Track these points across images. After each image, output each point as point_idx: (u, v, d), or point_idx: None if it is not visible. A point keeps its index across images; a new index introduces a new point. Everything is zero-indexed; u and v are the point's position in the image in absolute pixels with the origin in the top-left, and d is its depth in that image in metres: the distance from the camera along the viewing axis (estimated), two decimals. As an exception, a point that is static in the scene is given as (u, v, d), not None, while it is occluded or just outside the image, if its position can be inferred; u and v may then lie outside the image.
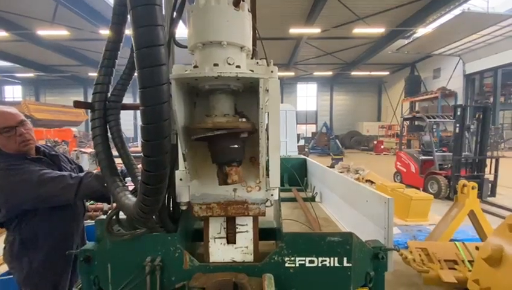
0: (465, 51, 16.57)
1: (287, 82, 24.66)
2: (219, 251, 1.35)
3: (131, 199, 1.09)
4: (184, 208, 1.25)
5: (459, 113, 6.62)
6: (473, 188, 3.53)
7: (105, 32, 11.90)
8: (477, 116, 6.69)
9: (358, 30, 12.50)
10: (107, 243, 1.29)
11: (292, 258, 1.30)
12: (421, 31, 13.97)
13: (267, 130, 1.09)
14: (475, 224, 3.66)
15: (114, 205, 1.55)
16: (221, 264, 1.31)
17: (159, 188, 0.83)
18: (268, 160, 1.18)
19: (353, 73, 22.05)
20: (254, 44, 1.26)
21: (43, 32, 12.73)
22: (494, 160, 6.60)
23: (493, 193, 6.60)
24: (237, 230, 1.35)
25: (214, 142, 1.00)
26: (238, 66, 0.90)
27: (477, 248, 2.46)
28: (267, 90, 1.08)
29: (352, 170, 8.95)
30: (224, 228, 1.35)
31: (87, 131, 23.65)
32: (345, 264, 1.31)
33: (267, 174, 1.20)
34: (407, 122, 12.84)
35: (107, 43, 1.38)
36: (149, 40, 0.64)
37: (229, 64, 0.89)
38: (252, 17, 1.08)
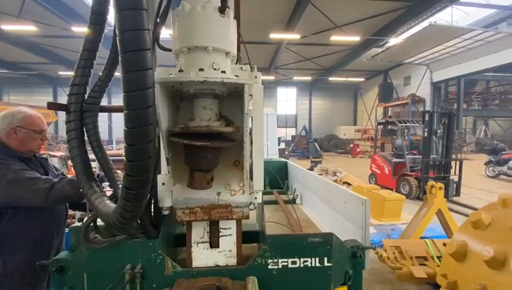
0: (432, 61, 17.81)
1: (267, 86, 24.93)
2: (202, 256, 1.34)
3: (109, 205, 1.05)
4: (166, 213, 1.23)
5: (427, 118, 7.07)
6: (440, 188, 3.78)
7: (78, 29, 11.34)
8: (443, 121, 7.19)
9: (336, 37, 12.99)
10: (82, 251, 1.24)
11: (275, 260, 1.32)
12: (393, 41, 14.82)
13: (250, 134, 1.11)
14: (442, 222, 3.92)
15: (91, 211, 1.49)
16: (204, 268, 1.30)
17: (142, 194, 0.82)
18: (252, 163, 1.20)
19: (331, 78, 22.81)
20: (238, 49, 1.27)
21: (7, 27, 11.86)
22: (458, 162, 7.12)
23: (458, 193, 7.11)
24: (220, 234, 1.35)
25: (188, 148, 1.00)
26: (223, 72, 0.91)
27: (444, 245, 2.64)
28: (251, 96, 1.10)
29: (330, 172, 9.22)
30: (208, 232, 1.34)
31: (57, 133, 22.23)
32: (326, 264, 1.35)
33: (251, 178, 1.22)
34: (381, 126, 13.49)
35: (84, 42, 1.33)
36: (135, 44, 0.63)
37: (215, 69, 0.90)
38: (236, 23, 1.10)
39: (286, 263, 1.33)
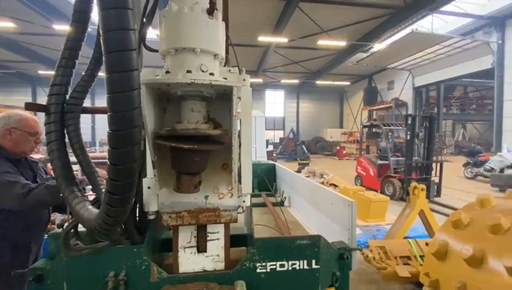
0: (414, 66, 18.51)
1: (256, 88, 25.01)
2: (189, 261, 1.31)
3: (91, 211, 1.01)
4: (152, 217, 1.20)
5: (410, 122, 7.31)
6: (422, 189, 3.91)
7: (60, 27, 10.96)
8: (424, 124, 7.45)
9: (323, 42, 13.24)
10: (63, 259, 1.18)
11: (263, 264, 1.31)
12: (377, 46, 15.27)
13: (239, 136, 1.11)
14: (424, 222, 4.04)
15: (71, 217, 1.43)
16: (191, 274, 1.28)
17: (126, 198, 0.79)
18: (240, 166, 1.19)
19: (318, 82, 23.20)
20: (226, 52, 1.27)
21: (-18, 23, 11.30)
22: (439, 164, 7.39)
23: (439, 194, 7.38)
24: (208, 238, 1.33)
25: (175, 150, 0.98)
26: (211, 74, 0.90)
27: (426, 244, 2.72)
28: (239, 98, 1.10)
29: (317, 174, 9.32)
30: (195, 237, 1.32)
31: (36, 135, 21.29)
32: (314, 266, 1.36)
33: (239, 181, 1.21)
34: (366, 129, 13.81)
35: (66, 41, 1.29)
36: (120, 44, 0.61)
37: (203, 71, 0.89)
38: (224, 25, 1.09)
39: (274, 266, 1.32)
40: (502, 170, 9.65)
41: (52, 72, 1.31)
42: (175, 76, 0.86)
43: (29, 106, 1.24)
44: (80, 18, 1.25)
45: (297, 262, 1.34)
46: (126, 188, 0.75)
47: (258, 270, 1.30)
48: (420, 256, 3.25)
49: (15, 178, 1.57)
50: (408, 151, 7.26)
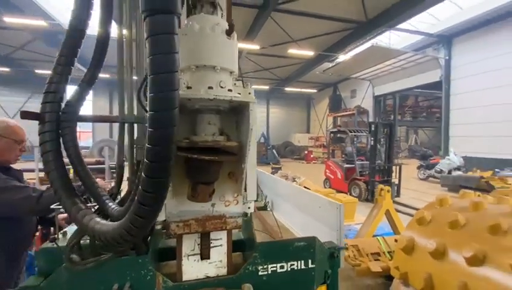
0: (374, 77, 20.13)
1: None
2: (192, 268, 1.33)
3: (104, 223, 1.00)
4: (159, 227, 1.21)
5: (373, 128, 7.95)
6: (388, 191, 4.30)
7: (11, 20, 9.91)
8: (385, 131, 8.17)
9: (292, 51, 13.81)
10: (62, 274, 1.13)
11: (265, 266, 1.39)
12: (342, 57, 16.33)
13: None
14: (390, 221, 4.44)
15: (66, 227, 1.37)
16: (195, 281, 1.30)
17: (155, 211, 0.80)
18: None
19: (287, 89, 24.01)
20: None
21: None
22: (398, 167, 8.13)
23: (398, 194, 8.11)
24: (211, 245, 1.36)
25: (195, 161, 1.02)
26: (229, 90, 0.97)
27: (396, 241, 3.00)
28: None
29: (290, 178, 9.62)
30: (198, 244, 1.34)
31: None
32: (310, 265, 1.47)
33: (245, 188, 1.27)
34: (332, 134, 14.62)
35: (62, 47, 1.24)
36: (166, 66, 0.66)
37: (221, 87, 0.95)
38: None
39: (275, 268, 1.41)
40: (449, 172, 10.93)
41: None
42: (197, 91, 0.91)
43: (26, 115, 1.17)
44: (78, 24, 1.23)
45: (295, 263, 1.44)
46: (157, 200, 0.78)
47: (260, 273, 1.37)
48: (388, 252, 3.56)
49: (19, 183, 1.56)
50: (372, 155, 7.88)
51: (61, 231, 1.47)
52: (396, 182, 8.12)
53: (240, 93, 1.03)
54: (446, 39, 15.01)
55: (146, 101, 1.18)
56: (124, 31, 1.30)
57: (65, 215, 1.73)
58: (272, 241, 1.48)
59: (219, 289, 1.23)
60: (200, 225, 1.25)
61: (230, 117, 1.22)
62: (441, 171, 11.20)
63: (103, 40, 1.36)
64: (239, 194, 1.28)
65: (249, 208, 1.30)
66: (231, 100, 0.93)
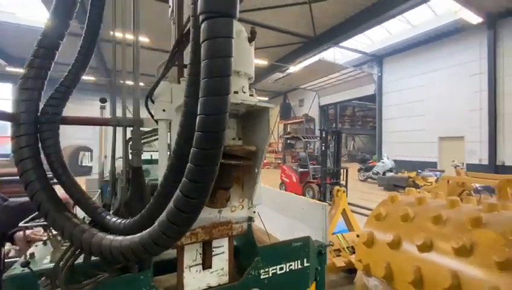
0: (320, 88, 21.92)
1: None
2: (193, 280, 1.28)
3: (111, 237, 0.89)
4: None
5: (323, 135, 8.64)
6: (343, 192, 4.72)
7: None
8: (334, 138, 8.94)
9: (247, 59, 14.12)
10: (47, 302, 0.97)
11: (266, 270, 1.42)
12: (292, 69, 17.37)
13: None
14: (345, 219, 4.87)
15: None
16: (199, 293, 1.25)
17: (194, 217, 0.76)
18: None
19: (240, 95, 24.29)
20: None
21: None
22: (344, 170, 8.96)
23: (346, 194, 8.91)
24: (213, 253, 1.33)
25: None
26: (251, 95, 0.99)
27: (358, 236, 3.32)
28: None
29: (247, 184, 9.71)
30: (200, 254, 1.30)
31: None
32: (305, 264, 1.55)
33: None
34: (287, 140, 15.35)
35: (41, 38, 1.09)
36: (223, 70, 0.65)
37: (244, 92, 0.97)
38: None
39: (275, 270, 1.45)
40: (384, 173, 12.50)
41: (19, 70, 1.08)
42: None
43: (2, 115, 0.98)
44: (63, 11, 1.10)
45: (293, 263, 1.51)
46: (197, 205, 0.74)
47: (262, 277, 1.39)
48: (347, 247, 3.91)
49: None
50: (323, 160, 8.53)
51: (28, 253, 1.25)
52: (344, 183, 8.92)
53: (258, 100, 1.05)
54: (378, 58, 17.35)
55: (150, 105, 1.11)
56: (118, 35, 1.21)
57: (23, 235, 1.45)
58: (271, 244, 1.51)
59: (228, 297, 1.20)
60: (207, 232, 1.21)
61: (238, 122, 1.23)
62: (377, 173, 12.75)
63: (90, 40, 1.23)
64: (244, 199, 1.29)
65: (254, 212, 1.31)
66: (255, 105, 0.95)
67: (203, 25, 0.65)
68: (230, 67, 0.67)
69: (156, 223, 0.78)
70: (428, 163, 13.97)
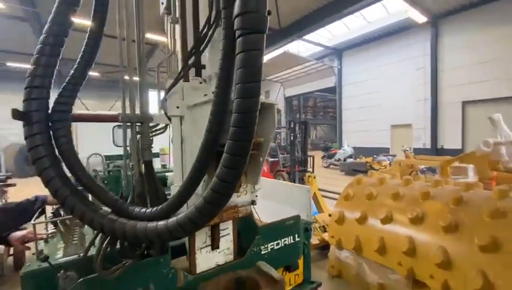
0: (285, 80, 22.50)
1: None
2: (204, 260, 1.42)
3: (143, 224, 0.99)
4: None
5: (292, 125, 9.05)
6: (314, 177, 5.12)
7: None
8: (301, 128, 9.43)
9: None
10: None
11: (265, 246, 1.62)
12: (258, 59, 17.54)
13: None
14: (316, 202, 5.30)
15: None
16: (210, 271, 1.39)
17: (227, 198, 0.89)
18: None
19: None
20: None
21: None
22: (311, 158, 9.55)
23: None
24: (220, 235, 1.48)
25: None
26: (259, 93, 1.14)
27: (330, 215, 3.70)
28: None
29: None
30: (209, 236, 1.44)
31: None
32: (296, 239, 1.78)
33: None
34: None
35: (46, 36, 1.10)
36: (255, 77, 0.80)
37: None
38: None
39: (273, 246, 1.65)
40: (345, 160, 13.54)
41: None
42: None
43: (16, 114, 0.98)
44: (66, 10, 1.11)
45: (286, 239, 1.73)
46: (231, 188, 0.87)
47: (262, 253, 1.59)
48: (319, 227, 4.31)
49: None
50: (292, 149, 8.97)
51: (36, 250, 1.27)
52: (310, 170, 9.52)
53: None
54: (338, 52, 18.35)
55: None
56: (125, 32, 1.25)
57: (19, 235, 1.43)
58: (269, 223, 1.69)
59: (238, 271, 1.37)
60: (218, 216, 1.35)
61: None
62: (339, 160, 13.76)
63: (95, 37, 1.26)
64: (247, 185, 1.45)
65: (256, 196, 1.48)
66: (264, 102, 1.10)
67: (239, 39, 0.78)
68: (261, 75, 0.81)
69: (194, 206, 0.90)
70: (383, 149, 15.47)
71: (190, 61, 1.25)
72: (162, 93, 1.34)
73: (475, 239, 2.20)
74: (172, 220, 0.94)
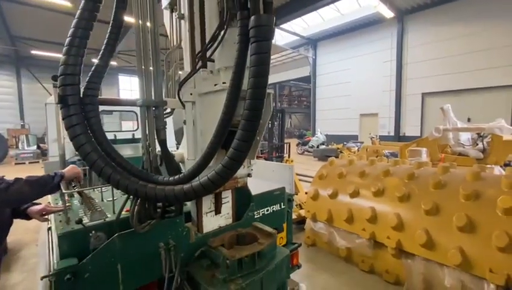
0: (261, 67, 22.61)
1: (108, 72, 21.28)
2: (209, 222, 1.71)
3: (171, 187, 1.24)
4: None
5: (269, 113, 9.41)
6: (292, 161, 5.55)
7: None
8: (278, 115, 9.82)
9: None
10: (114, 243, 1.28)
11: (258, 211, 1.94)
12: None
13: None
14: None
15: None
16: (215, 231, 1.69)
17: (245, 155, 1.16)
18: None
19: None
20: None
21: None
22: (288, 145, 10.05)
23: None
24: (222, 202, 1.77)
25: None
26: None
27: (306, 193, 4.14)
28: None
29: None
30: (213, 203, 1.72)
31: None
32: (282, 207, 2.14)
33: (249, 156, 1.74)
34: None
35: (74, 29, 1.26)
36: (265, 73, 1.08)
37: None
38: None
39: (264, 211, 1.98)
40: (318, 146, 14.32)
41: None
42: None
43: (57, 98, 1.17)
44: (93, 4, 1.27)
45: (274, 206, 2.07)
46: (244, 156, 1.15)
47: (255, 217, 1.91)
48: (296, 205, 4.77)
49: None
50: (270, 136, 9.36)
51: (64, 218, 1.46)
52: (287, 156, 10.03)
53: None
54: (313, 42, 18.85)
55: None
56: (140, 22, 1.43)
57: (39, 208, 1.60)
58: (261, 193, 2.01)
59: (238, 229, 1.68)
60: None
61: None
62: (312, 147, 14.52)
63: (118, 25, 1.44)
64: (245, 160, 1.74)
65: (251, 169, 1.78)
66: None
67: (253, 44, 1.05)
68: (269, 71, 1.09)
69: (214, 171, 1.18)
70: (352, 136, 16.54)
71: (201, 56, 1.48)
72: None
73: (422, 205, 2.74)
74: (195, 182, 1.21)
